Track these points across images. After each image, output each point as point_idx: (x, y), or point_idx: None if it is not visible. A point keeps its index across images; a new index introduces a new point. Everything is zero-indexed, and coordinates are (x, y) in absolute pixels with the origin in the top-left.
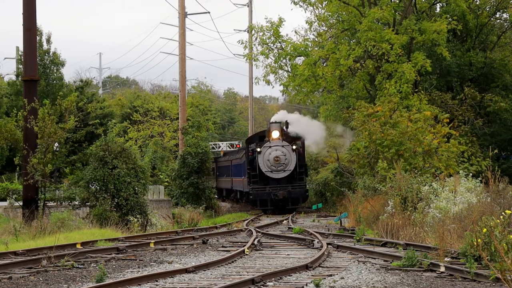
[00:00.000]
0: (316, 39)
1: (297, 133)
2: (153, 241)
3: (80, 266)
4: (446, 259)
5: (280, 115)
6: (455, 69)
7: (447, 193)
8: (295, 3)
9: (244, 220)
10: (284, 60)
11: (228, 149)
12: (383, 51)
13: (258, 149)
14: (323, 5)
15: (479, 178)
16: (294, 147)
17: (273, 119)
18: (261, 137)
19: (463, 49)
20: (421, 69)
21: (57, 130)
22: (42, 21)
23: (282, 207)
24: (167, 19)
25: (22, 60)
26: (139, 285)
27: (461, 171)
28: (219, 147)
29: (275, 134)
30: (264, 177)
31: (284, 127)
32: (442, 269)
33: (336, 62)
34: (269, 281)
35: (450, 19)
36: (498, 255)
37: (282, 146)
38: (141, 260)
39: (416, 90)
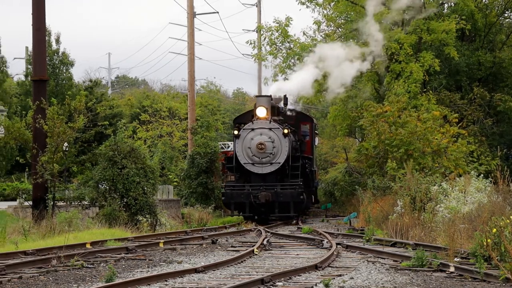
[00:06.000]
0: (324, 40)
1: (305, 113)
2: (163, 241)
3: (89, 266)
4: (455, 259)
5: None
6: (464, 69)
7: (457, 193)
8: (302, 3)
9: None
10: (292, 60)
11: None
12: (392, 50)
13: (236, 132)
14: (331, 5)
15: (489, 178)
16: (285, 131)
17: (271, 90)
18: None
19: (472, 48)
20: (429, 69)
21: (66, 130)
22: (52, 21)
23: (265, 215)
24: (176, 19)
25: (32, 60)
26: (149, 285)
27: (472, 172)
28: (228, 147)
29: (261, 111)
30: (244, 171)
31: (282, 104)
32: (452, 269)
33: None
34: (279, 281)
35: (458, 18)
36: (508, 255)
37: (270, 129)
38: (151, 260)
39: (425, 90)
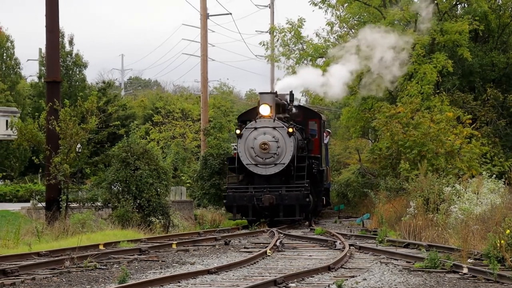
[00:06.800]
0: (337, 42)
1: (313, 110)
2: (175, 242)
3: (102, 267)
4: (469, 260)
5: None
6: (477, 70)
7: (470, 194)
8: (315, 4)
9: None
10: (305, 61)
11: None
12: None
13: (238, 131)
14: (344, 6)
15: (502, 179)
16: (290, 129)
17: (278, 86)
18: None
19: (485, 49)
20: (442, 70)
21: (79, 131)
22: (65, 22)
23: (269, 218)
24: (189, 20)
25: (45, 61)
26: (162, 286)
27: (484, 172)
28: None
29: (265, 109)
30: (248, 172)
31: (287, 100)
32: (465, 270)
33: None
34: (291, 282)
35: (471, 19)
36: None
37: (274, 127)
38: (164, 261)
39: (438, 91)
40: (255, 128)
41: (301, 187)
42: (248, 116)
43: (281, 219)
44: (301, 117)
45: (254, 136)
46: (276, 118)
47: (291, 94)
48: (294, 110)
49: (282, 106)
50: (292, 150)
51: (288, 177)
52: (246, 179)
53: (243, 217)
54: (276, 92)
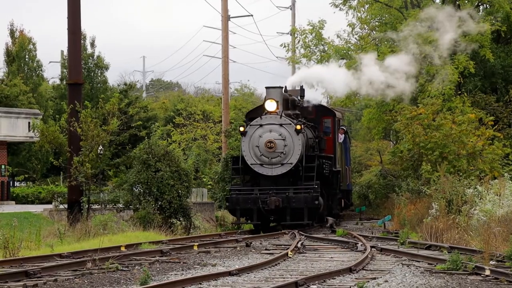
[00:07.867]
0: (358, 43)
1: (327, 107)
2: (197, 244)
3: (124, 269)
4: (491, 262)
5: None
6: (499, 71)
7: (492, 195)
8: (336, 6)
9: None
10: (326, 63)
11: None
12: (427, 52)
13: (241, 129)
14: (365, 8)
15: None
16: (298, 127)
17: (289, 82)
18: None
19: (507, 50)
20: (464, 71)
21: (100, 133)
22: (86, 24)
23: (277, 222)
24: (210, 22)
25: (67, 63)
26: (183, 287)
27: (506, 174)
28: None
29: (270, 105)
30: (253, 173)
31: (298, 96)
32: (487, 272)
33: None
34: (313, 284)
35: (493, 20)
36: None
37: (280, 124)
38: (185, 263)
39: (460, 92)
40: (261, 125)
41: (310, 188)
42: (256, 113)
43: (288, 223)
44: (314, 114)
45: (259, 134)
46: (283, 115)
47: (302, 89)
48: (305, 105)
49: (292, 102)
50: (300, 149)
51: (296, 178)
52: (252, 180)
53: (248, 221)
54: (285, 87)
